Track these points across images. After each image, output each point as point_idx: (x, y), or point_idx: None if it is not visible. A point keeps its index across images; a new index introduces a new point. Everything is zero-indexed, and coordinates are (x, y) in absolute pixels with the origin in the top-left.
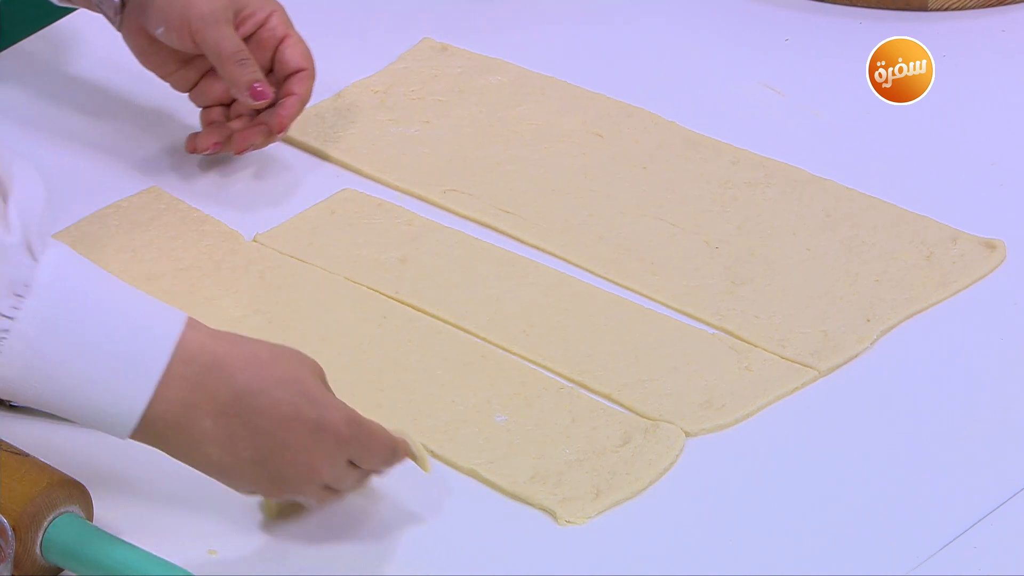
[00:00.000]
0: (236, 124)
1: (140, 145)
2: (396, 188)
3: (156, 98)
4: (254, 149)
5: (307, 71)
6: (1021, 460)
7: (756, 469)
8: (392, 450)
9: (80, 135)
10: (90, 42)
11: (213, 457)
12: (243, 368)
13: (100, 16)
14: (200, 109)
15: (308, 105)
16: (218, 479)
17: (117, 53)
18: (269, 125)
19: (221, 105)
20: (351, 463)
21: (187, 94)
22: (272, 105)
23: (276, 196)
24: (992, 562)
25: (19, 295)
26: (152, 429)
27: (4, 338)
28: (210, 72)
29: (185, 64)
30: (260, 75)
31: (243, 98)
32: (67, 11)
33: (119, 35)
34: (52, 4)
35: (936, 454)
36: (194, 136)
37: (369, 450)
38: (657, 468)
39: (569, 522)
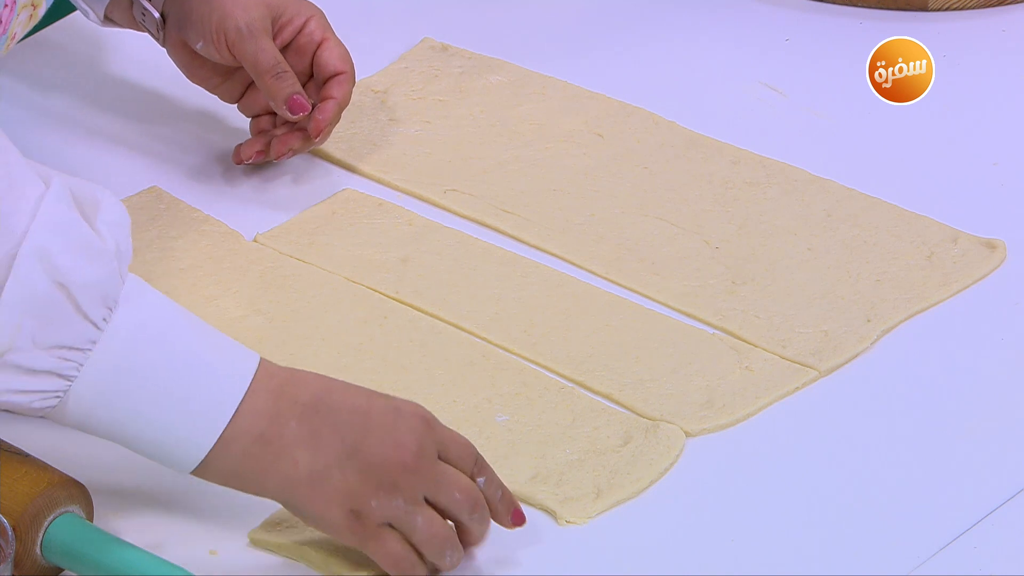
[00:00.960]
0: (279, 131)
1: (141, 145)
2: (397, 188)
3: (157, 98)
4: (293, 154)
5: (346, 74)
6: (1022, 460)
7: (757, 469)
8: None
9: (81, 134)
10: (91, 41)
11: (302, 462)
12: (315, 379)
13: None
14: (250, 120)
15: None
16: (308, 493)
17: (119, 53)
18: (308, 130)
19: (269, 114)
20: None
21: (236, 105)
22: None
23: (276, 196)
24: (993, 562)
25: (109, 308)
26: (237, 445)
27: (89, 349)
28: (254, 83)
29: (229, 76)
30: (298, 87)
31: (281, 111)
32: (65, 13)
33: (121, 34)
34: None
35: (937, 454)
36: (239, 146)
37: (452, 451)
38: (658, 468)
39: (570, 522)
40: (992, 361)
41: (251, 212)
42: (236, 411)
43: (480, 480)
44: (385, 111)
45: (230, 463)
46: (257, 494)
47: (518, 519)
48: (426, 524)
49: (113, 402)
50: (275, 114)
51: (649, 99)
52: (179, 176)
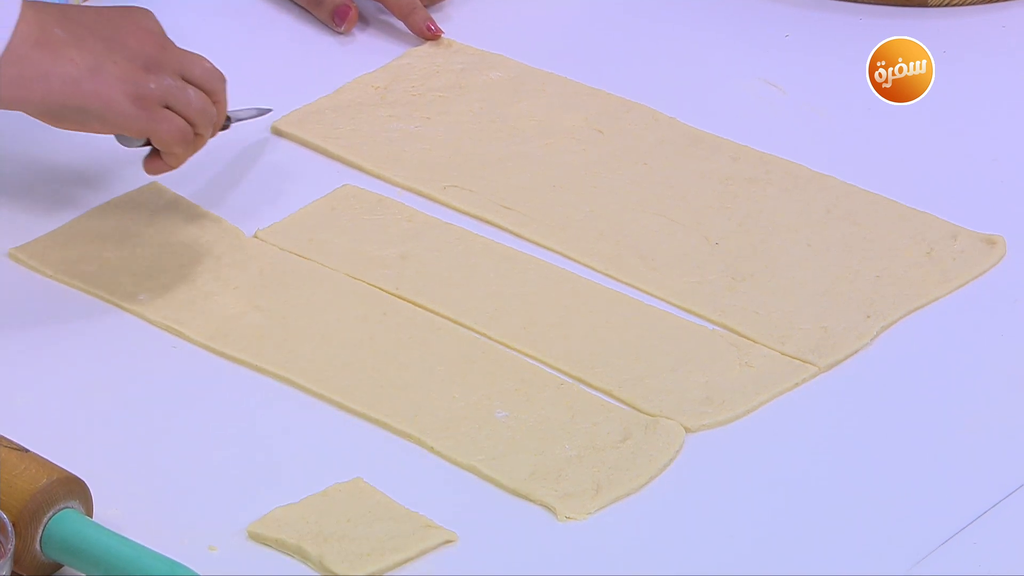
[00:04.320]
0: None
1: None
2: (396, 184)
3: None
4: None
5: None
6: (1022, 456)
7: (756, 465)
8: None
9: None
10: None
11: (77, 59)
12: (54, 3)
13: None
14: None
15: (307, 102)
16: (92, 85)
17: None
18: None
19: None
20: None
21: None
22: None
23: (277, 192)
24: (993, 558)
25: None
26: (20, 49)
27: None
28: None
29: None
30: None
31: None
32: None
33: None
34: None
35: (936, 450)
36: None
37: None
38: (657, 464)
39: (569, 518)
40: (992, 357)
41: (251, 208)
42: (16, 21)
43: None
44: (385, 107)
45: (13, 73)
46: (40, 103)
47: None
48: (196, 96)
49: None
50: None
51: (649, 95)
52: (179, 172)
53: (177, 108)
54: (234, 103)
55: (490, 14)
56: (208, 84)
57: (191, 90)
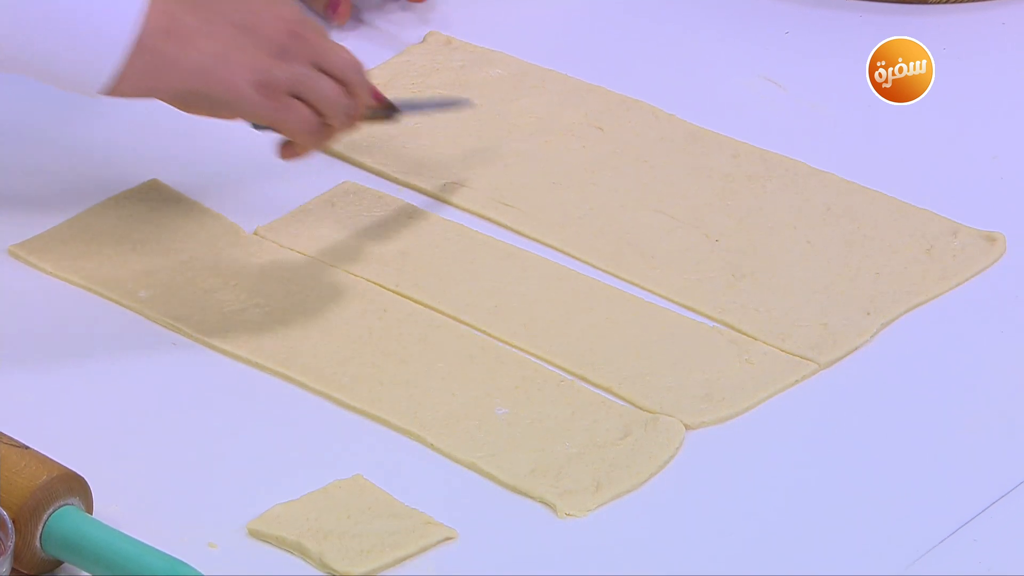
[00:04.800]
0: None
1: (140, 137)
2: (396, 181)
3: None
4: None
5: None
6: (1022, 453)
7: (756, 462)
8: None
9: (81, 126)
10: None
11: (205, 48)
12: None
13: None
14: None
15: None
16: (219, 73)
17: None
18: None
19: None
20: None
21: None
22: None
23: (276, 189)
24: (993, 555)
25: None
26: (149, 41)
27: None
28: None
29: None
30: None
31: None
32: None
33: None
34: None
35: (937, 447)
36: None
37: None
38: (657, 461)
39: (569, 515)
40: (992, 354)
41: (251, 205)
42: (143, 12)
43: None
44: None
45: (143, 63)
46: (170, 90)
47: (378, 96)
48: (328, 86)
49: (19, 19)
50: None
51: (649, 92)
52: (179, 169)
53: (306, 97)
54: None
55: (490, 11)
56: (344, 74)
57: (324, 80)
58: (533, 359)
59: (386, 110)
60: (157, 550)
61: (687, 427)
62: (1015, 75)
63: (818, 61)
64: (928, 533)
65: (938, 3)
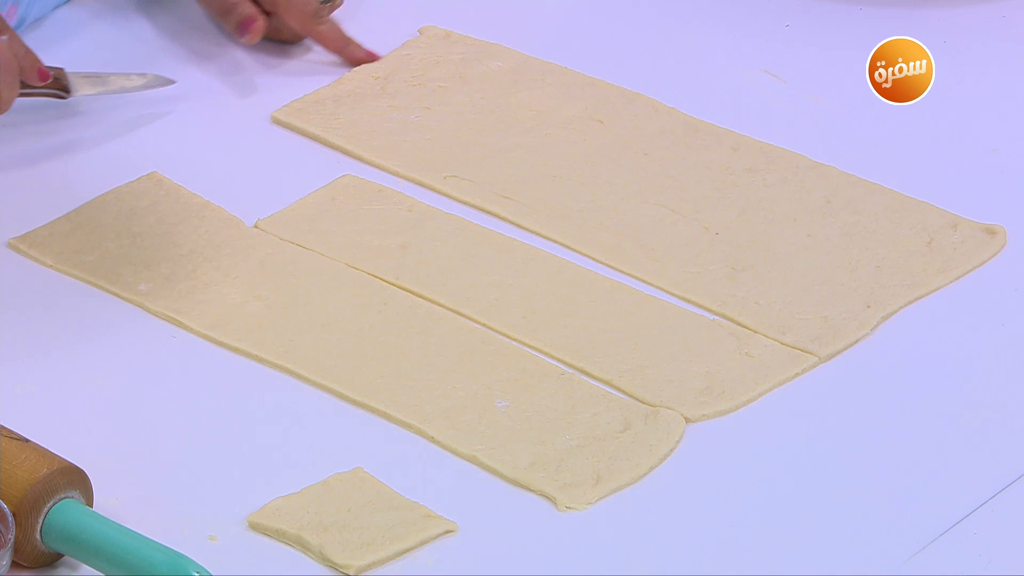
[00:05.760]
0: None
1: (140, 131)
2: (396, 174)
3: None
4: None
5: None
6: (1022, 446)
7: (756, 455)
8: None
9: (80, 119)
10: (90, 26)
11: None
12: None
13: (98, 1)
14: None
15: (308, 92)
16: None
17: (117, 38)
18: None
19: None
20: None
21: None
22: None
23: (277, 182)
24: (993, 548)
25: None
26: None
27: None
28: None
29: None
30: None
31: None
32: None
33: (116, 19)
34: None
35: (937, 440)
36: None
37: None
38: (657, 454)
39: (569, 508)
40: (992, 347)
41: (251, 198)
42: None
43: (2, 38)
44: (385, 97)
45: None
46: None
47: (43, 76)
48: None
49: None
50: None
51: (649, 85)
52: (179, 162)
53: None
54: (232, 94)
55: (490, 4)
56: None
57: None
58: (533, 352)
59: (57, 91)
60: (157, 543)
61: (687, 420)
62: (1015, 68)
63: (819, 54)
64: (929, 525)
65: None
